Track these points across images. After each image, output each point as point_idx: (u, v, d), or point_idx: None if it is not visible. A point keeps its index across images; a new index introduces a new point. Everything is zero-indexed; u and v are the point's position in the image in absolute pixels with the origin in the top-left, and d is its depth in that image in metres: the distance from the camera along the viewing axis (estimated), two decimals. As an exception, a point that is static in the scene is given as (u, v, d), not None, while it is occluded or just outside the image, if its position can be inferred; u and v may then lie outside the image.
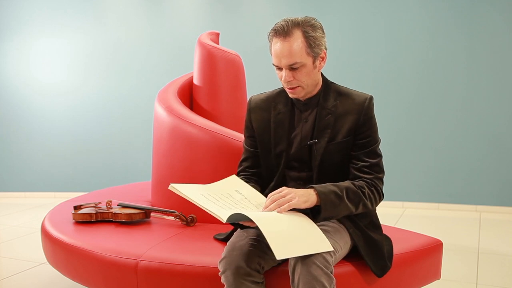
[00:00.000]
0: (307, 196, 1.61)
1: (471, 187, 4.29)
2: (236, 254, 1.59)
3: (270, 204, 1.59)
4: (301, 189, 1.63)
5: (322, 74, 1.82)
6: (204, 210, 1.57)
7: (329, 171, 1.76)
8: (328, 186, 1.67)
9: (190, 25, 4.77)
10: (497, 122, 4.19)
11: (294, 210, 1.62)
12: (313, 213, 1.67)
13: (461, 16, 4.20)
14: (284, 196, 1.59)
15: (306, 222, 1.59)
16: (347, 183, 1.71)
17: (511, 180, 4.20)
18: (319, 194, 1.63)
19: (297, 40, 1.66)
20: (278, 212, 1.57)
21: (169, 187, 1.65)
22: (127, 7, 4.87)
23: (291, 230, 1.52)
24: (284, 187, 1.64)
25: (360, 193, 1.70)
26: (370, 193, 1.73)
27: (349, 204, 1.68)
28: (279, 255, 1.43)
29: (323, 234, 1.57)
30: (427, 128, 4.34)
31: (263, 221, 1.48)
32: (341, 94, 1.79)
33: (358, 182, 1.73)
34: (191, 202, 1.61)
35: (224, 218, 1.49)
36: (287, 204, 1.57)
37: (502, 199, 4.23)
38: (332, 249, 1.54)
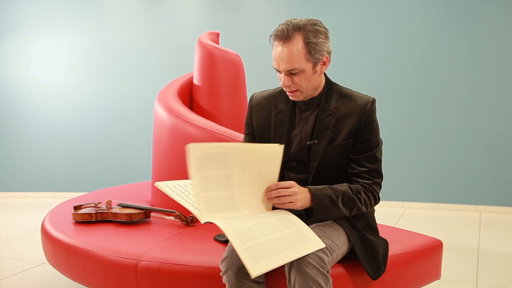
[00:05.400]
0: (306, 203, 1.64)
1: (471, 187, 4.29)
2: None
3: (273, 194, 1.61)
4: (303, 193, 1.64)
5: (325, 75, 1.80)
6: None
7: (326, 174, 1.75)
8: (324, 190, 1.67)
9: (190, 25, 4.77)
10: (497, 122, 4.19)
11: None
12: (306, 215, 1.68)
13: (461, 16, 4.20)
14: (289, 195, 1.61)
15: (291, 222, 1.59)
16: (344, 188, 1.70)
17: (511, 180, 4.20)
18: (313, 198, 1.64)
19: (297, 45, 1.63)
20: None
21: (155, 185, 1.70)
22: (127, 7, 4.87)
23: (271, 238, 1.50)
24: (294, 184, 1.64)
25: (356, 199, 1.70)
26: (366, 198, 1.73)
27: (343, 208, 1.69)
28: (255, 271, 1.40)
29: (312, 231, 1.58)
30: (427, 128, 4.34)
31: (238, 234, 1.47)
32: (344, 95, 1.77)
33: (355, 186, 1.72)
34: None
35: (202, 219, 1.54)
36: (286, 206, 1.62)
37: (502, 199, 4.23)
38: (324, 245, 1.55)
